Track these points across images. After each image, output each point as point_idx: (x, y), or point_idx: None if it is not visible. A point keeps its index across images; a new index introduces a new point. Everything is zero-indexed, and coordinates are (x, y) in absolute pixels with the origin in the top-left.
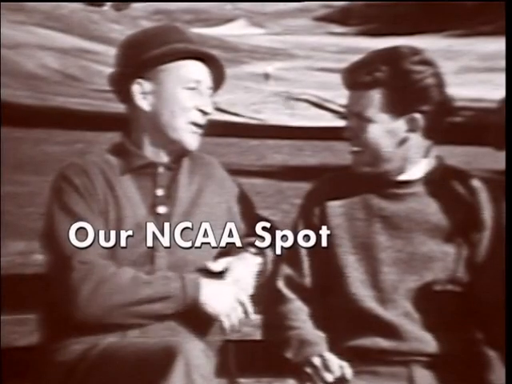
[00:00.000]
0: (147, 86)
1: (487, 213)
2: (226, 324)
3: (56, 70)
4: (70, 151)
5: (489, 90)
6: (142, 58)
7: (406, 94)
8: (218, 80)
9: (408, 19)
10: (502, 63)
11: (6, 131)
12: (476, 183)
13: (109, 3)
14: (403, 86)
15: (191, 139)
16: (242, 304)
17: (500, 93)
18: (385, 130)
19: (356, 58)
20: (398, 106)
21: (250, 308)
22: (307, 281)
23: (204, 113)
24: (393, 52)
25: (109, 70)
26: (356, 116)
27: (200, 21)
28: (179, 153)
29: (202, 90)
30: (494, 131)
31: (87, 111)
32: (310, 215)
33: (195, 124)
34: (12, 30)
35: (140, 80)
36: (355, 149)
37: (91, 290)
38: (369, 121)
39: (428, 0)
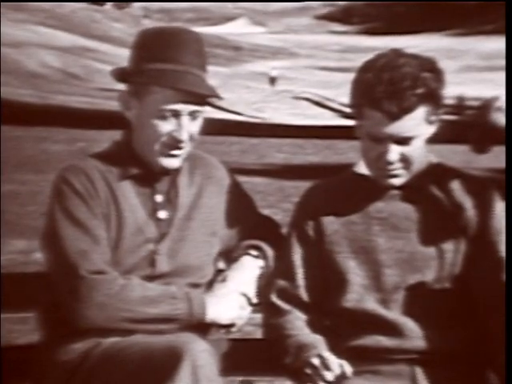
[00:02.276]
0: (129, 99)
1: (471, 213)
2: (232, 329)
3: (57, 68)
4: (71, 150)
5: (489, 89)
6: (131, 68)
7: (436, 99)
8: (210, 101)
9: (409, 18)
10: (503, 62)
11: (6, 130)
12: (455, 184)
13: (110, 2)
14: (432, 91)
15: (167, 161)
16: (247, 309)
17: (500, 91)
18: (424, 139)
19: (357, 56)
20: (432, 113)
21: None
22: (302, 290)
23: (177, 140)
24: (407, 65)
25: (110, 69)
26: (403, 139)
27: (201, 19)
28: (160, 168)
29: (180, 117)
30: (474, 132)
31: (88, 109)
32: (304, 225)
33: (169, 147)
34: (13, 29)
35: (123, 92)
36: (398, 172)
37: (99, 303)
38: (416, 137)
39: (429, 0)
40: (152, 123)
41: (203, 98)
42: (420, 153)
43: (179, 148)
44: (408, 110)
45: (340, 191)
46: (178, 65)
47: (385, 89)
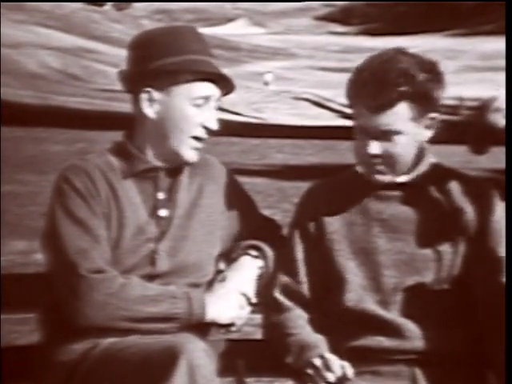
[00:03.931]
0: (156, 94)
1: (470, 215)
2: (232, 329)
3: (57, 69)
4: (71, 150)
5: (489, 90)
6: (156, 64)
7: (425, 99)
8: (227, 92)
9: (409, 19)
10: (502, 62)
11: (6, 130)
12: (455, 185)
13: (110, 3)
14: (421, 91)
15: (191, 153)
16: (246, 309)
17: (499, 92)
18: (412, 138)
19: (357, 57)
20: (420, 113)
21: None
22: (305, 288)
23: (209, 130)
24: (398, 61)
25: (110, 70)
26: (383, 133)
27: (201, 20)
28: (179, 162)
29: (210, 105)
30: (472, 133)
31: (88, 110)
32: (306, 222)
33: (197, 139)
34: (13, 30)
35: (149, 89)
36: (381, 167)
37: (98, 302)
38: (397, 133)
39: (429, 0)
40: (186, 113)
41: (228, 85)
42: (407, 151)
43: (202, 140)
44: (387, 105)
45: (341, 190)
46: (201, 55)
47: (369, 82)
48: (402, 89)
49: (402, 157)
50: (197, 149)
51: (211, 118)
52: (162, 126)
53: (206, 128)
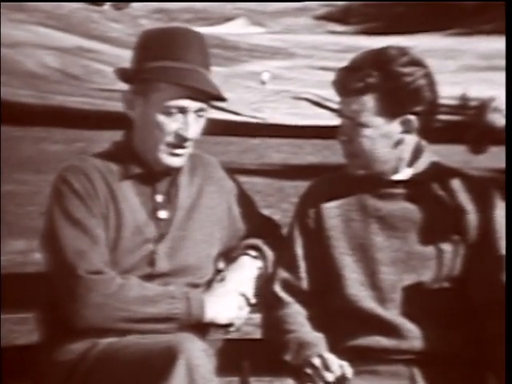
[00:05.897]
0: (134, 98)
1: (471, 214)
2: (230, 329)
3: (56, 68)
4: (70, 150)
5: (489, 89)
6: (137, 67)
7: (398, 97)
8: (214, 99)
9: (408, 18)
10: (502, 62)
11: (5, 130)
12: (456, 184)
13: (109, 2)
14: (395, 89)
15: (171, 159)
16: (245, 309)
17: (498, 92)
18: (379, 133)
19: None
20: (391, 110)
21: (250, 307)
22: (304, 283)
23: (183, 138)
24: (382, 55)
25: (108, 69)
26: (350, 119)
27: (200, 20)
28: (163, 167)
29: (188, 114)
30: (471, 132)
31: (87, 110)
32: (306, 217)
33: (175, 146)
34: (12, 29)
35: (128, 91)
36: (355, 161)
37: (96, 303)
38: (363, 125)
39: (429, 0)
40: (158, 120)
41: (210, 96)
42: (373, 146)
43: (184, 147)
44: (353, 92)
45: (341, 186)
46: (185, 63)
47: (346, 68)
48: (371, 80)
49: (368, 150)
50: (177, 154)
51: (187, 128)
52: (141, 130)
53: (180, 136)
